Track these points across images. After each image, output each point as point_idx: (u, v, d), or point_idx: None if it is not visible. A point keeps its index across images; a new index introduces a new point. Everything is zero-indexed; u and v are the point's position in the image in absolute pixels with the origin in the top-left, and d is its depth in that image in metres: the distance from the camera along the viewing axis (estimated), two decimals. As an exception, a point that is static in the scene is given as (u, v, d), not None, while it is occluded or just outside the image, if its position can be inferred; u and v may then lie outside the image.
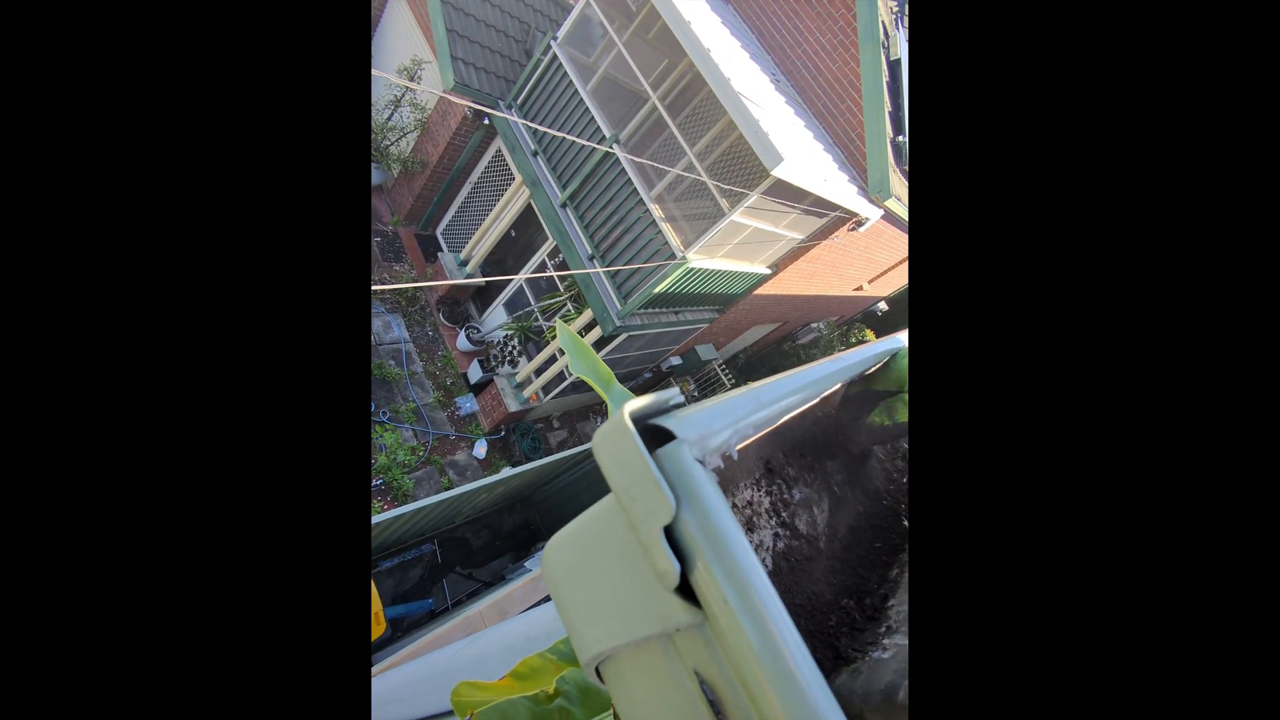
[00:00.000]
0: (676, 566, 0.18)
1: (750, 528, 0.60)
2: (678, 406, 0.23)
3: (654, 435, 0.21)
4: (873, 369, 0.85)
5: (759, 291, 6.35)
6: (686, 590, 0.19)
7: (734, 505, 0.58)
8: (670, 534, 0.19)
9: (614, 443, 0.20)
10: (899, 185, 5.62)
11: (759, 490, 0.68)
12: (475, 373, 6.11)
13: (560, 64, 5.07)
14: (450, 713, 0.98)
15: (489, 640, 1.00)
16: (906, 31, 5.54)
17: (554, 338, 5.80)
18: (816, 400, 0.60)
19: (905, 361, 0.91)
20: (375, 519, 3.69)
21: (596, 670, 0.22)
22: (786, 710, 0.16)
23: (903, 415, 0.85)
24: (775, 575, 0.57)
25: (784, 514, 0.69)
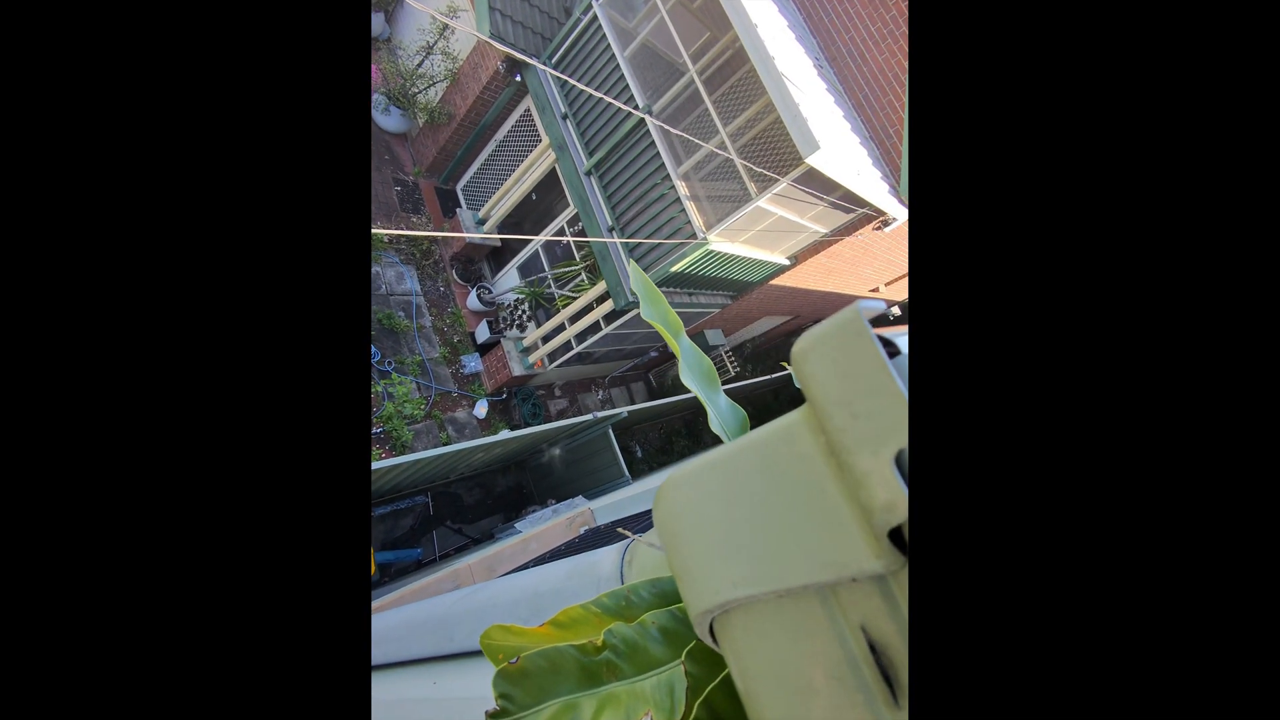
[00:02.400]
0: (905, 491, 0.16)
1: None
2: (895, 321, 0.21)
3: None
4: None
5: (775, 282, 6.28)
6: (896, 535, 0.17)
7: None
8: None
9: (842, 345, 0.17)
10: (931, 188, 5.50)
11: None
12: (483, 333, 6.09)
13: (600, 25, 4.92)
14: (450, 656, 0.99)
15: (494, 591, 1.00)
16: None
17: (565, 306, 5.76)
18: None
19: None
20: (375, 464, 3.72)
21: (710, 626, 0.20)
22: None
23: None
24: None
25: None
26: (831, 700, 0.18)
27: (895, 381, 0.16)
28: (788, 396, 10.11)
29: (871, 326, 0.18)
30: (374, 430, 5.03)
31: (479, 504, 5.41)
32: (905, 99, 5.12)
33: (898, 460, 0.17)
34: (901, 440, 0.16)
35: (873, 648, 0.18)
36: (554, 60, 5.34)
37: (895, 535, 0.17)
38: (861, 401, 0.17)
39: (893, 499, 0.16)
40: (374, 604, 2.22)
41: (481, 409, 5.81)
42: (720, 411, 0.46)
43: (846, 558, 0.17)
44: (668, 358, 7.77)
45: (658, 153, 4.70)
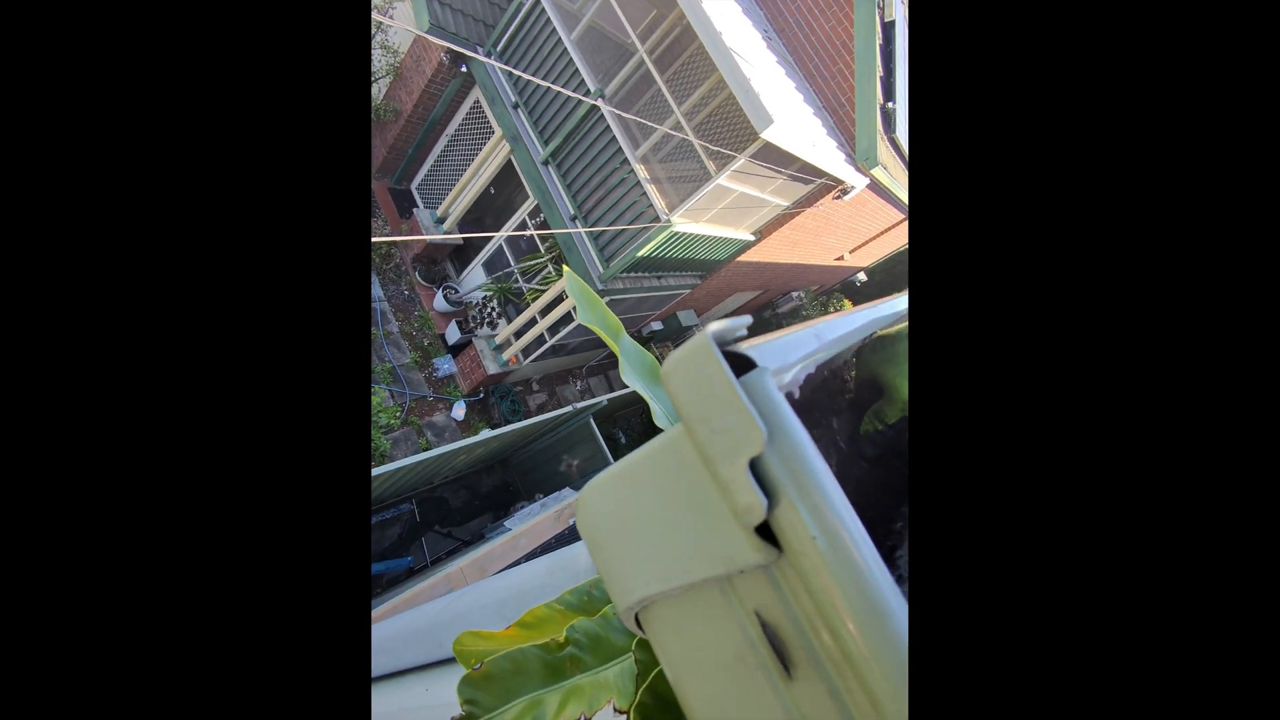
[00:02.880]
0: (764, 501, 0.17)
1: None
2: (746, 336, 0.22)
3: (729, 363, 0.19)
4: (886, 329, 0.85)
5: (742, 258, 6.33)
6: (762, 529, 0.18)
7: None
8: (755, 467, 0.18)
9: (695, 368, 0.18)
10: (886, 154, 5.58)
11: None
12: (453, 334, 5.99)
13: (543, 9, 4.79)
14: (441, 662, 1.00)
15: (479, 593, 1.01)
16: (902, -8, 5.39)
17: (534, 299, 5.70)
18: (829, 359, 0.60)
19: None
20: (352, 479, 3.65)
21: (636, 618, 0.22)
22: (874, 649, 0.16)
23: (892, 415, 0.85)
24: None
25: None
26: (738, 678, 0.19)
27: (742, 398, 0.18)
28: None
29: (720, 349, 0.19)
30: (350, 442, 4.93)
31: (466, 506, 5.38)
32: (854, 67, 5.15)
33: (753, 467, 0.18)
34: (754, 449, 0.17)
35: (766, 630, 0.19)
36: (499, 49, 5.20)
37: (765, 531, 0.18)
38: (717, 418, 0.18)
39: (750, 502, 0.17)
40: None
41: (459, 411, 5.75)
42: (666, 408, 0.48)
43: (732, 553, 0.19)
44: (644, 343, 7.79)
45: (614, 137, 4.64)
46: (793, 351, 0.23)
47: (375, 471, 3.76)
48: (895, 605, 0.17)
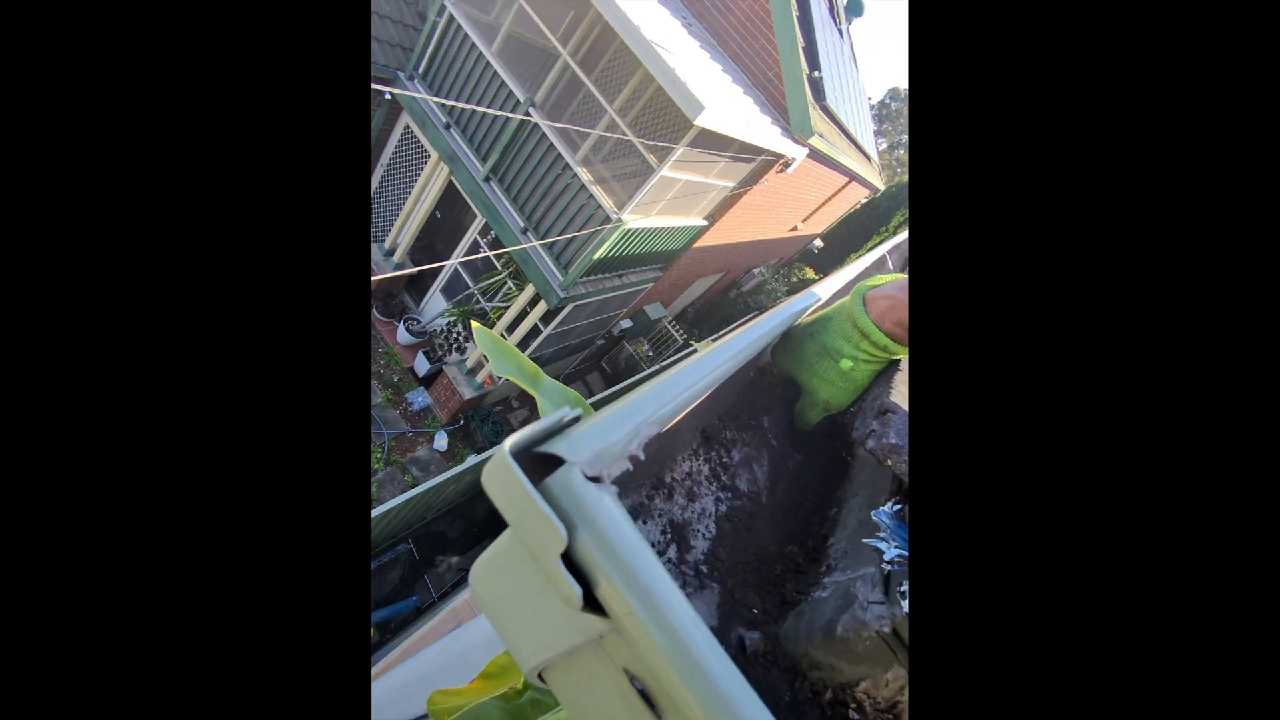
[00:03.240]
0: (578, 590, 0.19)
1: (691, 497, 0.62)
2: (573, 422, 0.23)
3: (547, 461, 0.21)
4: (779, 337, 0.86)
5: (699, 244, 6.37)
6: (597, 604, 0.20)
7: (673, 479, 0.60)
8: (570, 557, 0.19)
9: (498, 480, 0.20)
10: (820, 122, 5.68)
11: (698, 459, 0.70)
12: (422, 365, 5.90)
13: (459, 25, 4.72)
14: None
15: (471, 634, 1.01)
16: (811, -39, 5.47)
17: (499, 317, 5.65)
18: (745, 364, 0.62)
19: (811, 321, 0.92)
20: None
21: (540, 676, 0.23)
22: (701, 704, 0.18)
23: (814, 414, 0.87)
24: (720, 538, 0.60)
25: (725, 477, 0.72)
26: (626, 723, 0.21)
27: (539, 505, 0.19)
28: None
29: (527, 453, 0.21)
30: (335, 492, 4.83)
31: (464, 535, 5.32)
32: (775, 42, 5.21)
33: (566, 558, 0.20)
34: (559, 547, 0.19)
35: (634, 682, 0.21)
36: (420, 71, 5.10)
37: (593, 602, 0.20)
38: (525, 522, 0.19)
39: (568, 593, 0.19)
40: (379, 665, 2.17)
41: (441, 441, 5.67)
42: None
43: (583, 625, 0.20)
44: (616, 342, 7.78)
45: (551, 144, 4.61)
46: (618, 426, 0.24)
47: (364, 518, 3.68)
48: (712, 660, 0.19)
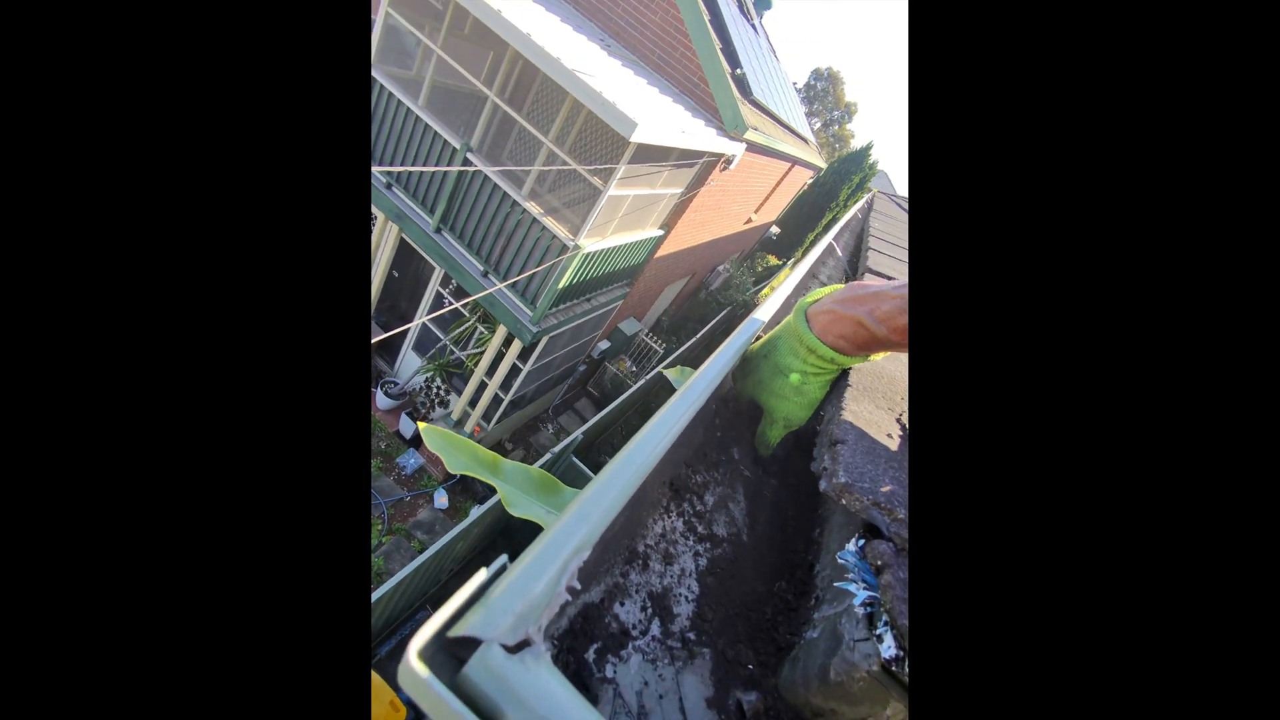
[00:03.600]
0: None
1: (668, 559, 0.61)
2: (498, 574, 0.23)
3: (463, 644, 0.20)
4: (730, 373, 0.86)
5: (659, 254, 6.42)
6: None
7: (646, 546, 0.59)
8: None
9: (411, 686, 0.19)
10: (752, 116, 5.79)
11: (670, 515, 0.69)
12: (407, 426, 5.80)
13: (382, 85, 4.72)
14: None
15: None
16: (712, -34, 5.60)
17: (475, 364, 5.60)
18: (706, 399, 0.61)
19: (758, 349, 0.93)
20: (355, 610, 3.48)
21: None
22: None
23: (775, 435, 0.87)
24: (704, 595, 0.59)
25: (700, 527, 0.71)
26: None
27: (452, 707, 0.19)
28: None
29: (452, 626, 0.21)
30: (342, 572, 4.69)
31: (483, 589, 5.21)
32: (694, 47, 5.31)
33: None
34: None
35: None
36: (352, 137, 5.08)
37: None
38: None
39: None
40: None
41: (441, 499, 5.56)
42: (567, 504, 0.48)
43: None
44: (597, 364, 7.76)
45: (495, 185, 4.62)
46: (545, 569, 0.24)
47: (376, 595, 3.59)
48: None
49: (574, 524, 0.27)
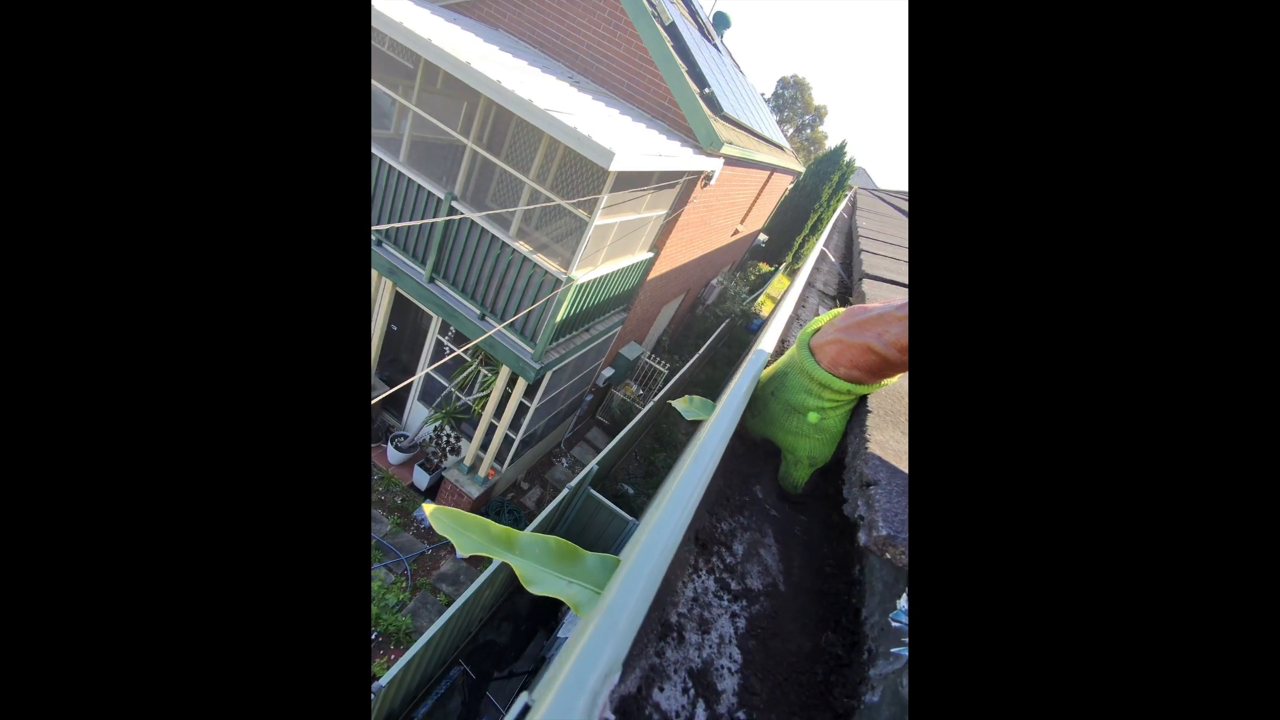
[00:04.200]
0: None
1: (704, 627, 0.56)
2: (520, 717, 0.20)
3: None
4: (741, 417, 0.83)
5: (652, 275, 6.45)
6: None
7: (679, 616, 0.54)
8: None
9: None
10: (726, 131, 5.88)
11: (700, 574, 0.64)
12: (421, 478, 5.76)
13: (362, 148, 4.83)
14: None
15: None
16: (668, -6, 5.77)
17: (482, 407, 5.58)
18: (725, 449, 0.58)
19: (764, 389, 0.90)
20: (389, 674, 3.40)
21: None
22: None
23: (800, 475, 0.83)
24: (748, 664, 0.54)
25: (734, 583, 0.66)
26: None
27: None
28: (725, 359, 10.41)
29: None
30: (371, 637, 4.60)
31: (515, 636, 5.09)
32: (660, 73, 5.43)
33: None
34: None
35: None
36: (338, 200, 5.18)
37: None
38: None
39: None
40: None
41: (463, 548, 5.48)
42: (590, 573, 0.45)
43: None
44: (604, 392, 7.74)
45: (483, 229, 4.67)
46: (572, 704, 0.21)
47: (409, 655, 3.51)
48: None
49: (599, 642, 0.23)
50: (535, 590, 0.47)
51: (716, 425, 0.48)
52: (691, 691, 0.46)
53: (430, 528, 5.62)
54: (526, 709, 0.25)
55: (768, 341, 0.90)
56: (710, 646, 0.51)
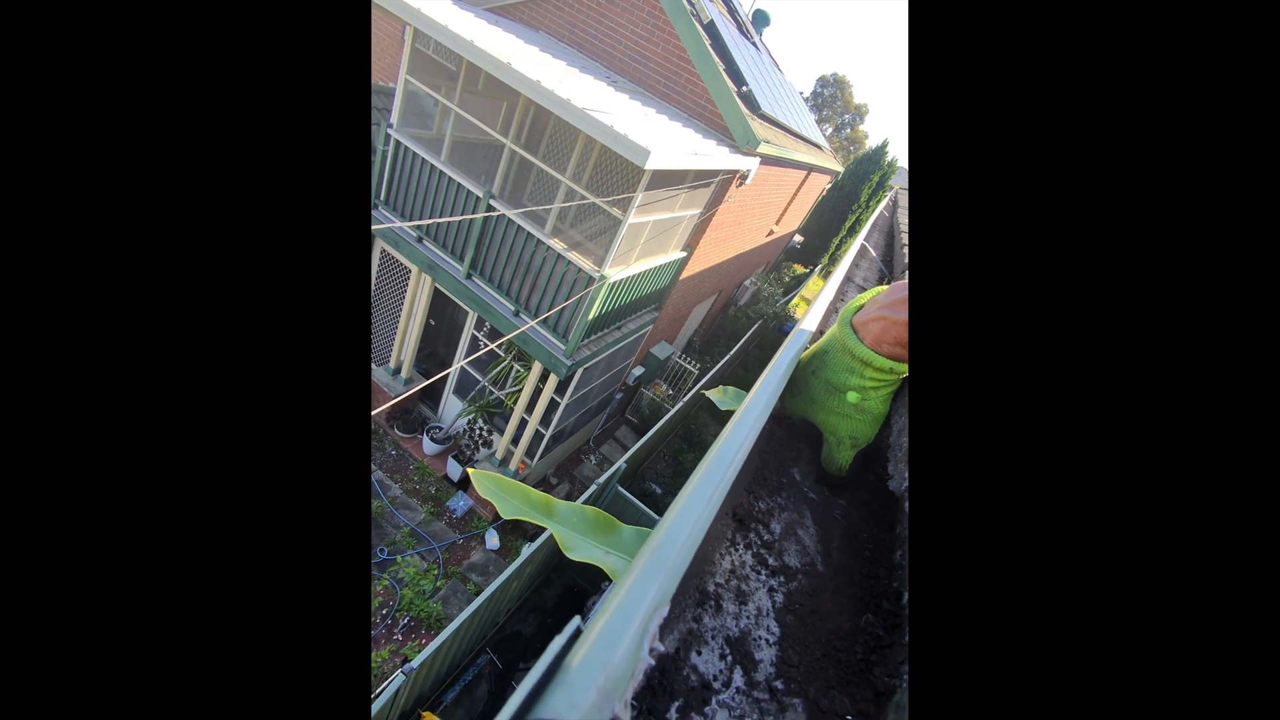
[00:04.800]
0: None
1: (741, 598, 0.56)
2: (572, 640, 0.21)
3: None
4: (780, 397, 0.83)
5: (684, 275, 6.43)
6: None
7: (716, 586, 0.54)
8: None
9: None
10: (763, 130, 5.82)
11: (737, 548, 0.64)
12: (454, 469, 5.90)
13: (406, 147, 4.99)
14: None
15: None
16: (708, -8, 5.75)
17: (514, 402, 5.68)
18: (766, 421, 0.58)
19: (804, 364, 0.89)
20: (420, 657, 3.50)
21: None
22: None
23: (843, 455, 0.81)
24: (786, 637, 0.53)
25: (771, 559, 0.66)
26: None
27: None
28: (756, 360, 10.28)
29: (532, 708, 0.18)
30: (404, 620, 4.75)
31: (541, 628, 5.16)
32: (698, 72, 5.42)
33: None
34: None
35: None
36: (383, 198, 5.36)
37: None
38: None
39: None
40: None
41: (493, 540, 5.59)
42: (627, 544, 0.46)
43: None
44: (634, 391, 7.76)
45: (519, 227, 4.76)
46: (623, 632, 0.21)
47: (438, 642, 3.61)
48: None
49: (649, 576, 0.24)
50: (573, 556, 0.47)
51: (759, 395, 0.47)
52: (729, 658, 0.46)
53: (461, 518, 5.75)
54: (578, 632, 0.26)
55: (810, 321, 0.88)
56: (748, 617, 0.51)
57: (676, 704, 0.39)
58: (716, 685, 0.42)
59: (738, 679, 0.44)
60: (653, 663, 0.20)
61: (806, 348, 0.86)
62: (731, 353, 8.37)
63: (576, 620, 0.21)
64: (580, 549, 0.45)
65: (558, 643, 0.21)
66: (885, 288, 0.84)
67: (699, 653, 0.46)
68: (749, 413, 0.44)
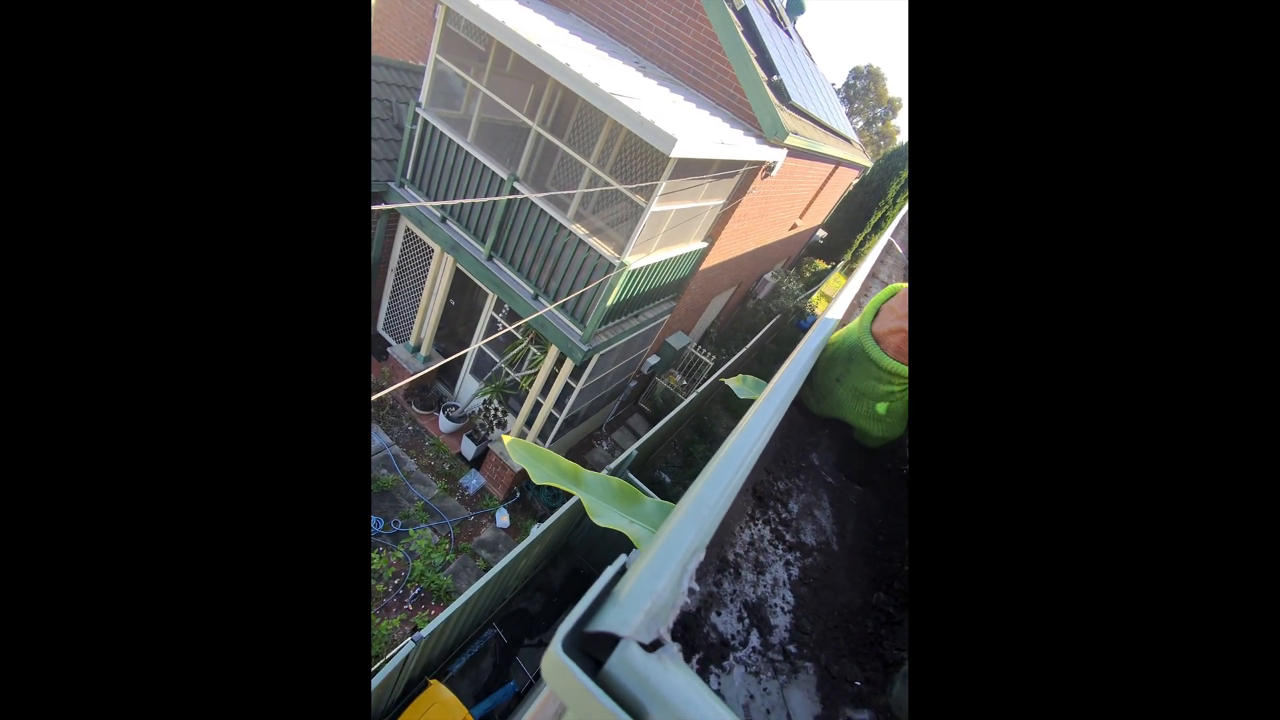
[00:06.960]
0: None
1: (759, 569, 0.59)
2: (618, 576, 0.22)
3: (599, 640, 0.20)
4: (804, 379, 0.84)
5: (704, 266, 6.40)
6: None
7: (736, 555, 0.57)
8: None
9: (557, 680, 0.19)
10: (791, 121, 5.72)
11: (756, 523, 0.66)
12: (469, 448, 6.01)
13: (433, 126, 5.03)
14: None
15: None
16: (742, -22, 5.64)
17: (529, 385, 5.75)
18: (790, 403, 0.59)
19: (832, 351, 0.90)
20: (429, 627, 3.60)
21: None
22: None
23: (878, 441, 0.83)
24: (800, 606, 0.56)
25: (788, 535, 0.68)
26: None
27: (605, 704, 0.18)
28: (772, 355, 10.22)
29: (577, 642, 0.20)
30: (414, 591, 4.88)
31: (547, 607, 5.27)
32: (728, 59, 5.34)
33: None
34: None
35: None
36: (408, 176, 5.42)
37: None
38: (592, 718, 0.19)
39: None
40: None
41: (503, 518, 5.70)
42: (649, 516, 0.48)
43: None
44: (648, 380, 7.78)
45: (542, 211, 4.78)
46: (667, 567, 0.23)
47: (446, 614, 3.71)
48: None
49: (687, 524, 0.26)
50: (599, 521, 0.49)
51: (788, 374, 0.49)
52: (746, 620, 0.49)
53: (474, 495, 5.86)
54: (624, 568, 0.28)
55: (836, 310, 0.90)
56: (765, 586, 0.53)
57: (697, 656, 0.41)
58: (734, 643, 0.45)
59: (754, 640, 0.46)
60: (689, 600, 0.22)
61: (831, 336, 0.87)
62: (748, 345, 8.33)
63: (624, 558, 0.23)
64: (605, 515, 0.47)
65: (608, 573, 0.23)
66: (898, 289, 0.85)
67: (718, 613, 0.48)
68: (777, 390, 0.45)
